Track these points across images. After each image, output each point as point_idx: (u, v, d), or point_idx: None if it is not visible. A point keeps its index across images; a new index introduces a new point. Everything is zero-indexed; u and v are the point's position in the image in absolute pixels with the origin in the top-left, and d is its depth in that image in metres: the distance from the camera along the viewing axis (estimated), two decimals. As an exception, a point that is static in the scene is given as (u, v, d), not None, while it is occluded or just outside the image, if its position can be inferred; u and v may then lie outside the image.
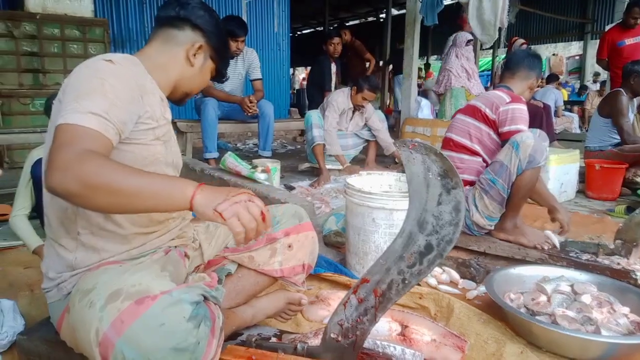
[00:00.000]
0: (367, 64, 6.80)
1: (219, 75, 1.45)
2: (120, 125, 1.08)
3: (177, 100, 1.42)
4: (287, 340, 1.39)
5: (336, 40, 5.18)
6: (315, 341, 1.36)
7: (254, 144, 4.33)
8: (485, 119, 2.35)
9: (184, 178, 1.04)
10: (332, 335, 1.24)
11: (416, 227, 1.12)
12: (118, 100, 1.08)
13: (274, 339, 1.40)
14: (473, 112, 2.41)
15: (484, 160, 2.37)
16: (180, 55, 1.32)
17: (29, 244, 2.07)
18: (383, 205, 1.94)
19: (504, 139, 2.28)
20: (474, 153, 2.37)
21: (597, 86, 10.22)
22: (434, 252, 1.11)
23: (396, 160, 4.61)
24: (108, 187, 0.93)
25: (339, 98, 4.13)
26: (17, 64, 4.31)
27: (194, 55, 1.33)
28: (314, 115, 4.06)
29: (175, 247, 1.35)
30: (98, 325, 0.95)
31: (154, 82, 1.29)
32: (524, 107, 2.31)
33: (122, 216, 1.20)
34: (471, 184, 2.37)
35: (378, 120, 4.31)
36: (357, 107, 4.17)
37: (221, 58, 1.41)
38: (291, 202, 2.36)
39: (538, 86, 4.85)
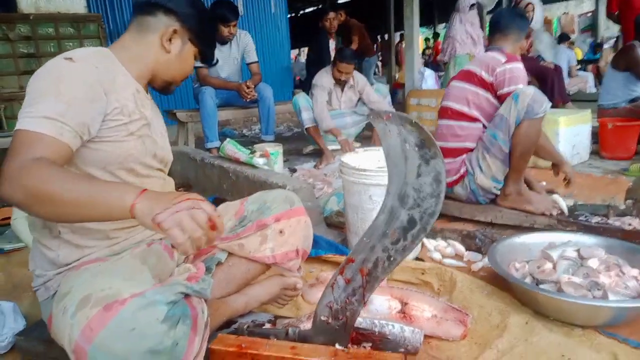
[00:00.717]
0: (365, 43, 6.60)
1: (205, 57, 1.38)
2: (79, 127, 1.05)
3: (161, 89, 1.36)
4: (281, 326, 1.36)
5: (331, 15, 5.06)
6: (309, 325, 1.33)
7: (259, 130, 4.29)
8: (482, 83, 2.25)
9: (127, 185, 1.08)
10: (322, 318, 1.20)
11: (397, 202, 1.07)
12: (75, 100, 1.05)
13: (267, 325, 1.37)
14: (468, 76, 2.31)
15: (484, 126, 2.28)
16: (154, 42, 1.27)
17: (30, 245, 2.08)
18: (379, 181, 1.88)
19: (503, 100, 2.19)
20: (473, 119, 2.28)
21: (612, 42, 9.83)
22: (418, 227, 1.06)
23: None
24: (50, 197, 0.92)
25: (323, 78, 4.04)
26: (15, 66, 4.31)
27: (169, 40, 1.27)
28: (300, 98, 4.00)
29: (160, 239, 1.32)
30: (70, 333, 0.95)
31: (128, 74, 1.24)
32: (521, 66, 2.21)
33: None
34: (472, 150, 2.29)
35: (372, 93, 4.18)
36: (338, 82, 4.05)
37: (202, 40, 1.33)
38: (290, 185, 2.33)
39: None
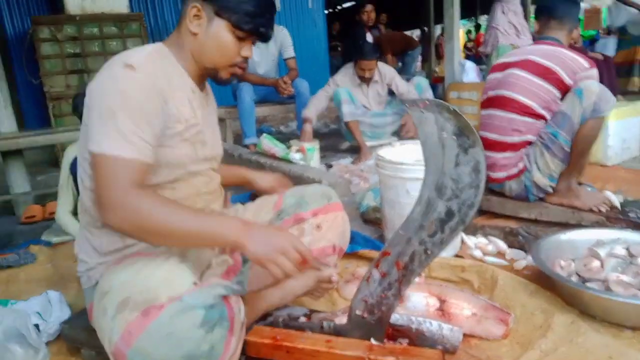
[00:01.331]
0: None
1: (245, 29, 1.18)
2: (154, 141, 1.10)
3: (214, 80, 1.29)
4: (316, 320, 1.34)
5: (369, 7, 5.01)
6: (344, 319, 1.31)
7: (297, 126, 4.31)
8: (559, 84, 2.07)
9: (231, 220, 1.12)
10: (357, 312, 1.19)
11: (434, 193, 1.04)
12: (146, 116, 1.08)
13: (303, 319, 1.36)
14: (543, 72, 2.10)
15: (545, 122, 2.13)
16: (186, 28, 1.22)
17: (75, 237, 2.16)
18: (416, 175, 1.83)
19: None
20: (539, 117, 2.12)
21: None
22: (456, 219, 1.02)
23: None
24: (157, 231, 1.04)
25: (339, 76, 3.95)
26: (62, 66, 4.48)
27: (192, 21, 1.19)
28: (342, 91, 3.85)
29: None
30: (110, 336, 0.99)
31: (184, 73, 1.23)
32: (596, 73, 2.08)
33: None
34: (530, 144, 2.15)
35: (402, 84, 4.00)
36: (363, 80, 3.91)
37: (232, 10, 1.16)
38: (325, 180, 2.31)
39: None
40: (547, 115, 2.11)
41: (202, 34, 1.19)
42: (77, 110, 2.13)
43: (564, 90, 2.08)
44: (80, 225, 1.29)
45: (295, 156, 2.68)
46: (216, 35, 1.19)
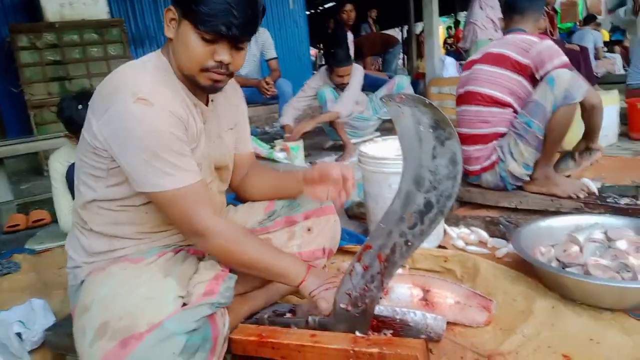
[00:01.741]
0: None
1: (203, 29, 1.07)
2: (195, 163, 1.16)
3: (197, 86, 1.19)
4: (300, 312, 1.36)
5: (348, 7, 5.02)
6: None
7: (281, 127, 4.32)
8: (516, 66, 2.13)
9: (298, 262, 1.25)
10: (341, 306, 1.20)
11: (413, 185, 1.06)
12: (180, 142, 1.11)
13: (288, 315, 1.37)
14: (500, 60, 2.18)
15: (515, 111, 2.18)
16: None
17: None
18: (398, 170, 1.84)
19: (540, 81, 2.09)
20: (506, 105, 2.17)
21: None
22: (435, 210, 1.04)
23: None
24: (240, 262, 1.20)
25: (314, 81, 3.92)
26: (43, 74, 4.44)
27: (168, 25, 1.14)
28: (326, 90, 3.89)
29: (188, 246, 1.32)
30: None
31: (184, 86, 1.19)
32: (552, 42, 2.13)
33: (133, 220, 1.22)
34: (502, 135, 2.20)
35: (351, 91, 3.83)
36: (340, 86, 3.84)
37: (191, 9, 1.07)
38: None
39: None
40: (515, 103, 2.17)
41: (175, 38, 1.15)
42: (63, 114, 2.10)
43: (523, 71, 2.13)
44: (73, 222, 1.29)
45: (280, 155, 2.70)
46: (183, 38, 1.11)
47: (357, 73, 3.87)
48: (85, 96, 1.96)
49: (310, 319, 1.25)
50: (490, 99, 2.18)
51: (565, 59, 2.06)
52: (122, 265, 1.16)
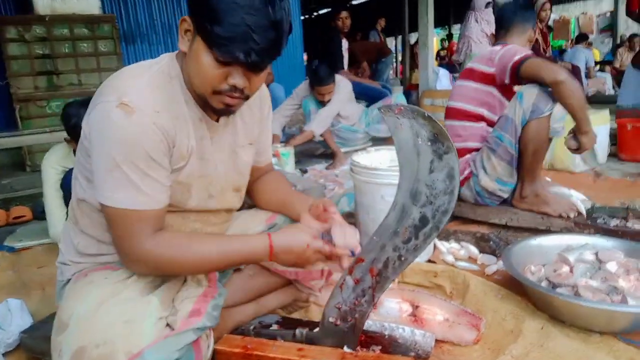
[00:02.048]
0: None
1: (219, 54, 0.96)
2: (166, 180, 1.06)
3: (211, 109, 1.10)
4: (288, 327, 1.32)
5: (344, 14, 5.00)
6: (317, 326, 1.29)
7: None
8: (482, 77, 2.19)
9: (252, 237, 1.16)
10: (330, 320, 1.17)
11: (409, 199, 1.03)
12: (153, 159, 1.01)
13: (275, 326, 1.33)
14: (469, 74, 2.26)
15: (489, 124, 2.21)
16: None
17: None
18: (391, 181, 1.84)
19: (518, 73, 2.05)
20: (478, 118, 2.22)
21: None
22: (430, 225, 1.02)
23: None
24: (184, 270, 1.13)
25: (302, 90, 3.91)
26: (30, 67, 4.34)
27: (183, 37, 1.04)
28: (310, 102, 3.88)
29: None
30: None
31: (191, 100, 1.09)
32: (518, 47, 2.14)
33: None
34: (476, 151, 2.23)
35: (333, 104, 3.81)
36: (322, 103, 3.82)
37: (206, 28, 0.95)
38: (300, 185, 2.30)
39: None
40: (489, 114, 2.20)
41: (188, 53, 1.04)
42: (69, 122, 2.03)
43: (490, 80, 2.17)
44: (68, 217, 1.23)
45: (270, 161, 2.66)
46: (196, 56, 1.00)
47: (341, 89, 3.84)
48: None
49: (297, 331, 1.22)
50: (462, 113, 2.25)
51: (526, 52, 2.06)
52: (104, 273, 1.11)
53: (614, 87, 7.80)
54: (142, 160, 0.99)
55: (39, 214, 2.64)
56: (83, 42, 4.52)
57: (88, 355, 0.92)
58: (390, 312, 1.46)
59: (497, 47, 2.19)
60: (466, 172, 2.23)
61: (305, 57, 8.15)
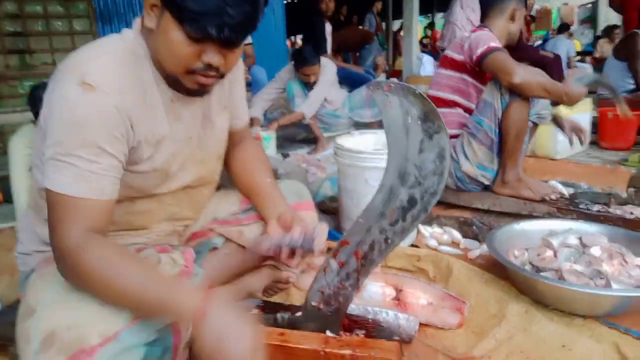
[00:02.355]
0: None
1: (189, 29, 0.91)
2: (116, 171, 0.96)
3: (180, 87, 1.04)
4: (269, 311, 1.29)
5: (327, -4, 4.93)
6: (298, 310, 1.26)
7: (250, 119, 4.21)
8: (453, 64, 2.19)
9: (188, 290, 0.91)
10: (313, 304, 1.14)
11: (397, 180, 1.00)
12: (105, 146, 0.92)
13: (255, 311, 1.30)
14: (443, 62, 2.28)
15: (466, 110, 2.20)
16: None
17: None
18: (375, 164, 1.81)
19: (481, 66, 2.06)
20: (453, 104, 2.21)
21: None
22: (418, 207, 0.99)
23: None
24: (98, 293, 0.89)
25: (284, 73, 3.86)
26: (1, 45, 4.17)
27: (149, 13, 0.98)
28: (295, 85, 3.80)
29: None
30: None
31: (161, 78, 1.03)
32: (488, 33, 2.11)
33: None
34: (454, 137, 2.21)
35: (318, 89, 3.76)
36: (307, 84, 3.77)
37: (174, 2, 0.90)
38: (282, 169, 2.26)
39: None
40: (463, 100, 2.20)
41: (156, 29, 0.96)
42: (36, 105, 1.94)
43: (461, 67, 2.17)
44: (28, 205, 1.16)
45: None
46: (165, 33, 0.94)
47: (327, 71, 3.78)
48: None
49: (279, 316, 1.19)
50: (437, 99, 2.23)
51: (489, 44, 2.03)
52: None
53: (594, 77, 7.88)
54: (92, 144, 0.91)
55: (10, 197, 2.54)
56: (57, 21, 4.34)
57: (59, 340, 0.85)
58: (373, 296, 1.44)
59: (466, 34, 2.20)
60: None
61: (288, 43, 8.04)
